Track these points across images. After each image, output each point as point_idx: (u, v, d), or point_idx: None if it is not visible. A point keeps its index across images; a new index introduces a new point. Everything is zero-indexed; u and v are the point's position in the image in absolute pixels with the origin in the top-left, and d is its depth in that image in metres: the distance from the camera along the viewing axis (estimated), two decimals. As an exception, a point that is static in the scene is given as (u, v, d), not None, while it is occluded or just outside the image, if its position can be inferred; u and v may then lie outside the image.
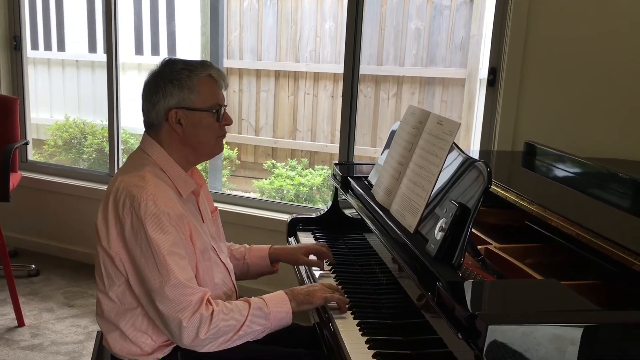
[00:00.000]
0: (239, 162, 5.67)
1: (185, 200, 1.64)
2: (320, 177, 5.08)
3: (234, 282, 1.80)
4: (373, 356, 1.49)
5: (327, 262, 1.99)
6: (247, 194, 5.08)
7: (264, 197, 5.04)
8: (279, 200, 4.40)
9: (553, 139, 2.48)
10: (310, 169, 5.30)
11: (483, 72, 4.62)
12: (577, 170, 2.04)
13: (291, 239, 2.35)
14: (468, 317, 1.14)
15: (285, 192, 4.99)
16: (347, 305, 1.68)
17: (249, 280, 2.01)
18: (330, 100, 5.45)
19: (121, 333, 1.59)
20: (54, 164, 4.75)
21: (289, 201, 4.92)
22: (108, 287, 1.58)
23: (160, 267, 1.49)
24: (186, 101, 1.59)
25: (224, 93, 1.70)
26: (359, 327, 1.62)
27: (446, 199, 1.53)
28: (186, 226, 1.56)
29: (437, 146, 1.67)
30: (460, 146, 1.64)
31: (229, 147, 5.49)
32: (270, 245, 1.98)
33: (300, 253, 1.94)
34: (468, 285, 1.27)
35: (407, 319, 1.59)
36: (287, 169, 5.22)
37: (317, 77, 5.45)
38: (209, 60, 1.87)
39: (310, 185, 5.03)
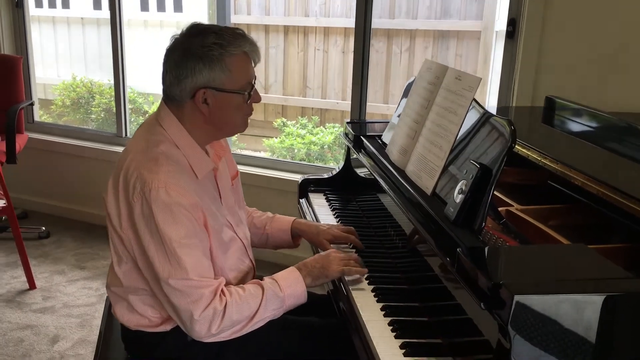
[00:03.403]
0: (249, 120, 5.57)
1: (202, 180, 1.53)
2: (331, 135, 4.98)
3: (251, 257, 1.71)
4: (389, 324, 1.43)
5: (350, 245, 1.83)
6: (257, 153, 5.01)
7: (275, 157, 4.98)
8: (289, 160, 4.33)
9: (575, 94, 2.36)
10: (322, 127, 5.19)
11: (500, 24, 4.45)
12: (601, 126, 1.94)
13: (302, 201, 2.29)
14: (492, 287, 1.07)
15: (296, 151, 4.91)
16: (366, 272, 1.61)
17: (267, 249, 1.92)
18: (341, 56, 5.30)
19: (129, 305, 1.54)
20: (61, 124, 4.68)
21: (300, 160, 4.85)
22: (117, 262, 1.52)
23: (171, 258, 1.40)
24: (216, 81, 1.43)
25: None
26: (374, 294, 1.55)
27: (466, 159, 1.44)
28: (200, 214, 1.46)
29: (456, 103, 1.58)
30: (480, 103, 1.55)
31: (238, 105, 5.39)
32: (294, 219, 1.87)
33: (325, 237, 1.79)
34: (490, 251, 1.20)
35: (424, 284, 1.53)
36: (297, 128, 5.13)
37: (327, 32, 5.30)
38: (216, 23, 1.71)
39: (322, 143, 4.94)
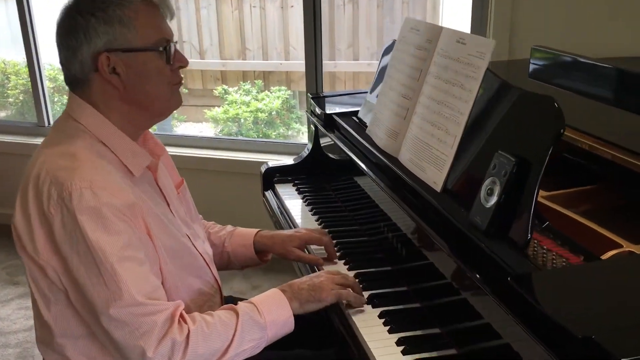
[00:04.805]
0: (187, 90, 5.11)
1: (138, 180, 1.22)
2: (278, 99, 4.61)
3: (216, 276, 1.39)
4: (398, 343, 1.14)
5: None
6: (201, 132, 4.60)
7: (219, 128, 4.58)
8: (242, 138, 3.91)
9: (556, 44, 2.09)
10: (267, 91, 4.81)
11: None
12: (613, 81, 1.66)
13: (268, 193, 1.95)
14: (579, 343, 0.78)
15: (242, 120, 4.53)
16: (364, 302, 1.30)
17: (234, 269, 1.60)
18: (279, 12, 4.89)
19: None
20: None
21: (248, 129, 4.47)
22: (45, 306, 1.17)
23: (107, 280, 1.07)
24: (119, 40, 1.16)
25: (170, 25, 1.24)
26: (383, 321, 1.25)
27: (490, 148, 1.13)
28: (140, 219, 1.14)
29: (463, 74, 1.26)
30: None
31: (172, 75, 4.93)
32: (257, 231, 1.56)
33: (292, 244, 1.50)
34: (557, 280, 0.91)
35: (438, 299, 1.24)
36: (240, 94, 4.73)
37: (262, -14, 4.85)
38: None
39: (269, 110, 4.57)
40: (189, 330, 1.11)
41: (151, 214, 1.19)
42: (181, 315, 1.13)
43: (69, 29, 1.17)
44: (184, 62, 1.24)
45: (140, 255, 1.12)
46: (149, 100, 1.22)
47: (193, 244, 1.32)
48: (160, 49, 1.19)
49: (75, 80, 1.20)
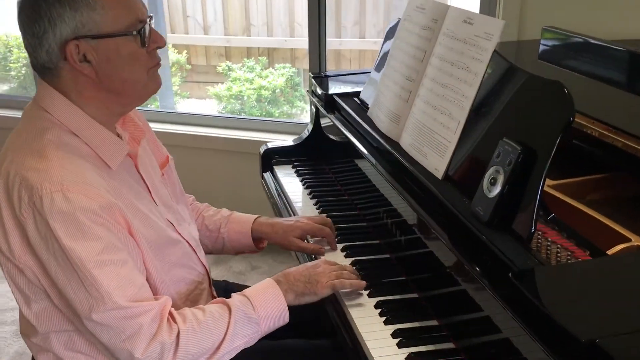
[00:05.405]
0: (190, 66, 5.04)
1: (116, 171, 1.14)
2: (282, 77, 4.54)
3: (204, 262, 1.35)
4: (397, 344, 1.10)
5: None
6: (203, 109, 4.53)
7: (222, 106, 4.52)
8: (245, 117, 3.84)
9: (568, 25, 2.01)
10: (271, 68, 4.74)
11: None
12: (628, 64, 1.59)
13: (267, 175, 1.90)
14: (579, 351, 0.73)
15: (245, 98, 4.46)
16: (364, 285, 1.26)
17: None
18: (286, -14, 4.80)
19: (55, 356, 1.16)
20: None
21: (251, 107, 4.41)
22: (25, 303, 1.12)
23: (88, 286, 1.02)
24: (88, 26, 1.06)
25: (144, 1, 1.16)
26: (379, 311, 1.21)
27: (494, 135, 1.08)
28: (119, 217, 1.08)
29: (469, 56, 1.20)
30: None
31: (176, 50, 4.85)
32: (255, 217, 1.50)
33: (294, 234, 1.44)
34: (560, 276, 0.86)
35: (438, 289, 1.20)
36: (244, 71, 4.65)
37: (267, -41, 4.76)
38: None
39: (273, 88, 4.50)
40: (178, 330, 1.07)
41: (131, 209, 1.12)
42: (170, 314, 1.09)
43: (32, 15, 1.06)
44: (160, 43, 1.15)
45: (121, 256, 1.06)
46: (125, 87, 1.13)
47: (177, 230, 1.27)
48: (134, 32, 1.10)
49: (44, 68, 1.10)
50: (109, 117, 1.16)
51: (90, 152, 1.11)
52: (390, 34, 1.59)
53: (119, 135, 1.19)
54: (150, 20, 1.13)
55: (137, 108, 1.28)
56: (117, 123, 1.21)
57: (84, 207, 1.01)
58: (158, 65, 1.16)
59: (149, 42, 1.12)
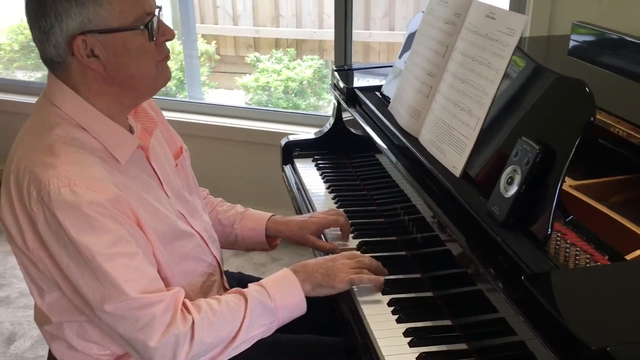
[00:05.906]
0: (218, 56, 5.06)
1: (126, 164, 1.14)
2: (310, 68, 4.52)
3: (216, 254, 1.34)
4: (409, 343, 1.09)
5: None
6: (231, 100, 4.54)
7: (249, 96, 4.52)
8: (272, 109, 3.83)
9: (600, 20, 1.95)
10: (299, 60, 4.72)
11: None
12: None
13: (287, 168, 1.90)
14: (590, 355, 0.71)
15: (272, 89, 4.46)
16: (382, 283, 1.24)
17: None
18: (316, -22, 4.77)
19: (67, 344, 1.17)
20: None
21: (278, 98, 4.41)
22: (38, 294, 1.14)
23: (99, 277, 1.03)
24: (94, 21, 1.05)
25: None
26: (392, 309, 1.20)
27: (514, 134, 1.05)
28: (127, 210, 1.08)
29: (490, 51, 1.17)
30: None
31: (205, 40, 4.87)
32: (270, 215, 1.49)
33: (309, 231, 1.43)
34: (575, 282, 0.84)
35: (453, 289, 1.18)
36: (272, 62, 4.65)
37: (299, -50, 4.74)
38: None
39: (300, 79, 4.49)
40: (193, 320, 1.08)
41: (140, 202, 1.12)
42: (184, 304, 1.09)
43: (38, 9, 1.06)
44: (169, 35, 1.13)
45: (132, 249, 1.07)
46: (134, 81, 1.12)
47: (189, 222, 1.27)
48: (142, 27, 1.08)
49: (52, 62, 1.10)
50: (119, 111, 1.15)
51: (99, 146, 1.11)
52: (413, 27, 1.57)
53: (130, 127, 1.19)
54: (159, 12, 1.12)
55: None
56: (129, 114, 1.21)
57: (91, 201, 1.02)
58: (167, 58, 1.15)
59: (157, 35, 1.11)
